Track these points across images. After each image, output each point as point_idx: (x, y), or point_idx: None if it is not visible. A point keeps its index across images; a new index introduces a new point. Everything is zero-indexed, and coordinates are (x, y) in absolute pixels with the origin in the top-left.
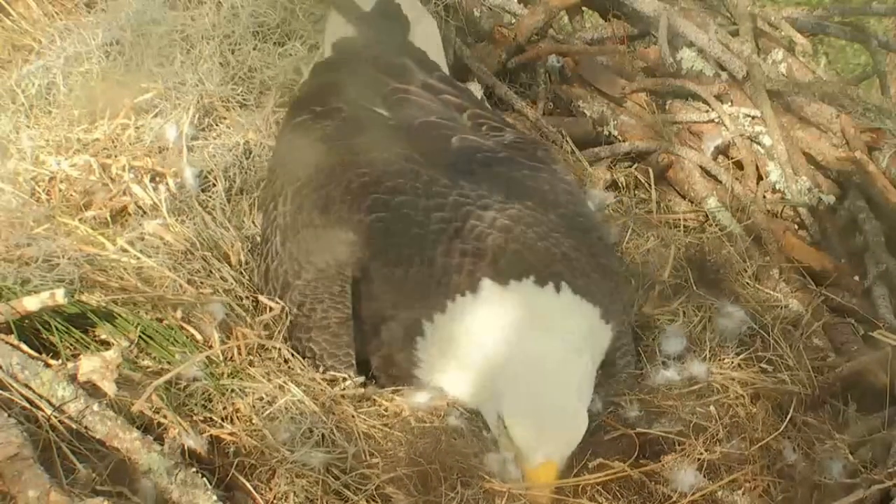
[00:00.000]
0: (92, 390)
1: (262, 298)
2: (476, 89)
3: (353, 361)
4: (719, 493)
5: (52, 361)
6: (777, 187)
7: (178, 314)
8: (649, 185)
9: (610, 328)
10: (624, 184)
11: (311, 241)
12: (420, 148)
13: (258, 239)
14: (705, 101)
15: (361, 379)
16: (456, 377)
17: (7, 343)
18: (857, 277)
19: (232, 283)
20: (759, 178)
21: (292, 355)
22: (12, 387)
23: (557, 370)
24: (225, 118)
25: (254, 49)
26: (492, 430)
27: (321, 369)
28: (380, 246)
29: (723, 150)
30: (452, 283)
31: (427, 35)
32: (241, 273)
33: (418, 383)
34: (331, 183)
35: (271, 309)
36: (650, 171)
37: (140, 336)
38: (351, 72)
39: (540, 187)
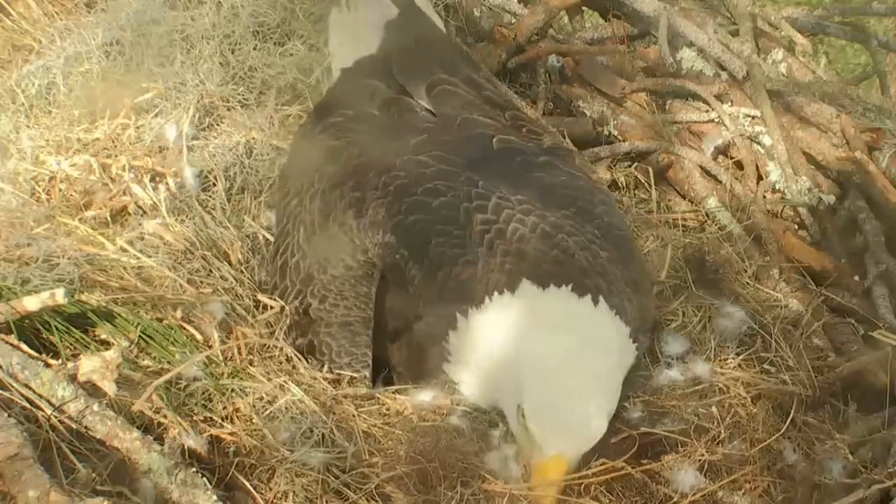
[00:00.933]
0: (92, 390)
1: (261, 297)
2: None
3: (370, 362)
4: (720, 493)
5: (52, 361)
6: (777, 187)
7: (178, 314)
8: (649, 184)
9: (636, 348)
10: (624, 184)
11: (342, 239)
12: (460, 147)
13: (260, 239)
14: (705, 101)
15: (367, 382)
16: (483, 372)
17: (7, 343)
18: (857, 277)
19: (232, 283)
20: (759, 178)
21: (294, 354)
22: (12, 387)
23: (587, 371)
24: (225, 118)
25: (254, 49)
26: (508, 423)
27: (335, 366)
28: (420, 248)
29: (723, 150)
30: (492, 280)
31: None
32: (242, 272)
33: (444, 377)
34: (366, 184)
35: (271, 307)
36: (650, 170)
37: (140, 336)
38: (400, 60)
39: (579, 196)
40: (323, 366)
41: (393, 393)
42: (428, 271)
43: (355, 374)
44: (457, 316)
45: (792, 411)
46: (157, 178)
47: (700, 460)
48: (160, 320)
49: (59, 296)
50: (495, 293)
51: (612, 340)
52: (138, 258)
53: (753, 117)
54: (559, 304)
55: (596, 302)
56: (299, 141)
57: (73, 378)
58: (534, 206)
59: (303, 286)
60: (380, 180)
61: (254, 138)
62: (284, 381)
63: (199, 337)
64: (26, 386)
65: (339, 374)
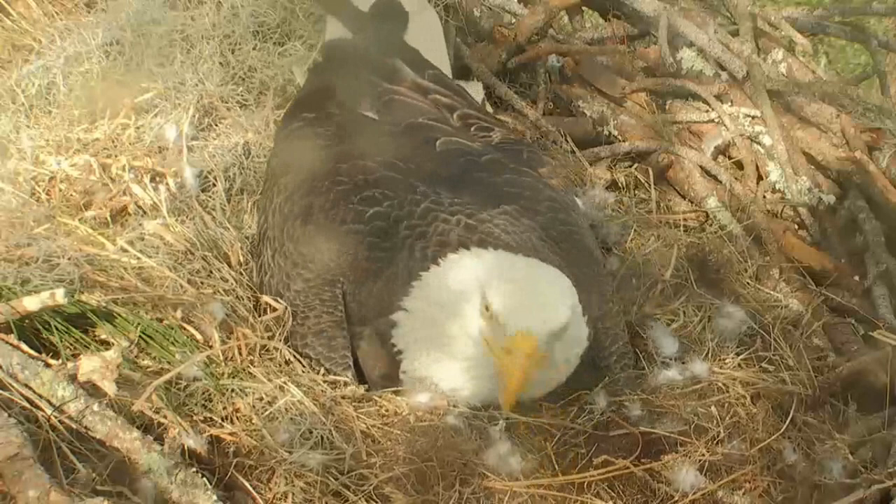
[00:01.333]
0: (92, 390)
1: (264, 298)
2: (477, 91)
3: (350, 363)
4: (720, 493)
5: (52, 361)
6: (777, 187)
7: (178, 314)
8: (649, 185)
9: (586, 322)
10: (624, 184)
11: (296, 252)
12: (404, 152)
13: (255, 241)
14: (705, 101)
15: (356, 381)
16: (438, 347)
17: (7, 343)
18: (857, 277)
19: (232, 283)
20: (759, 178)
21: (293, 356)
22: (12, 387)
23: (547, 273)
24: (225, 118)
25: (254, 49)
26: (474, 328)
27: (321, 373)
28: (356, 259)
29: (723, 150)
30: (413, 270)
31: (428, 28)
32: (242, 273)
33: (406, 377)
34: (313, 192)
35: (274, 309)
36: (650, 171)
37: (140, 336)
38: (342, 75)
39: (521, 193)
40: (317, 372)
41: (391, 394)
42: (362, 284)
43: (338, 378)
44: (392, 315)
45: (792, 411)
46: (157, 179)
47: (700, 460)
48: (160, 320)
49: (59, 296)
50: (421, 273)
51: (563, 277)
52: (138, 258)
53: (753, 117)
54: (493, 258)
55: (528, 257)
56: (272, 150)
57: (73, 378)
58: (465, 207)
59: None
60: (323, 185)
61: (252, 139)
62: (284, 383)
63: (199, 337)
64: (26, 386)
65: (333, 380)
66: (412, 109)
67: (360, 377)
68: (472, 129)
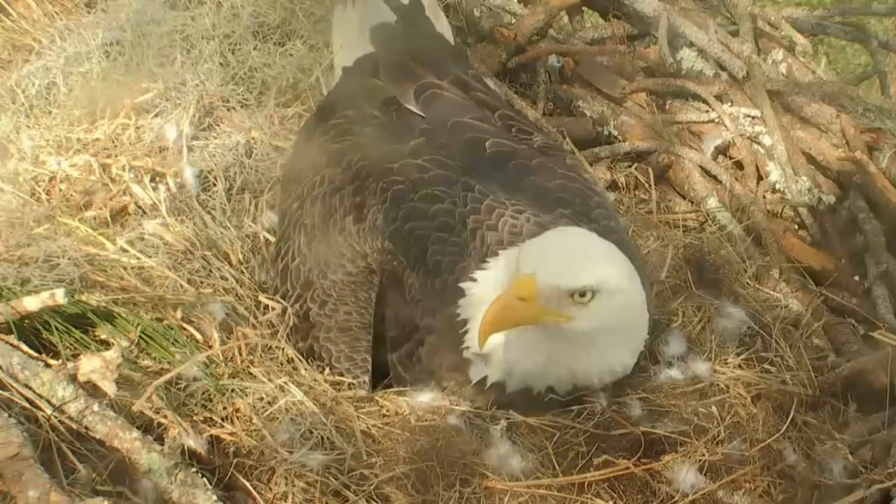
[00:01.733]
0: (92, 390)
1: (262, 298)
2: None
3: (370, 367)
4: (720, 493)
5: (52, 361)
6: (777, 187)
7: (179, 314)
8: (649, 185)
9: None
10: (624, 184)
11: (342, 244)
12: (454, 151)
13: (260, 239)
14: (705, 101)
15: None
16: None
17: (7, 343)
18: (857, 277)
19: (232, 283)
20: (759, 178)
21: (295, 355)
22: (12, 387)
23: (595, 243)
24: (225, 118)
25: (254, 49)
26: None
27: (335, 370)
28: (417, 256)
29: (723, 150)
30: (489, 251)
31: (444, 34)
32: (242, 272)
33: (469, 353)
34: (365, 189)
35: (273, 308)
36: (650, 171)
37: (140, 336)
38: (389, 65)
39: (575, 199)
40: (323, 370)
41: (392, 394)
42: (425, 279)
43: (354, 381)
44: (460, 286)
45: (792, 411)
46: (157, 178)
47: (700, 460)
48: (160, 320)
49: (59, 296)
50: (497, 250)
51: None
52: (138, 258)
53: (753, 117)
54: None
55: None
56: (301, 142)
57: (73, 378)
58: (527, 208)
59: (303, 290)
60: (378, 185)
61: (254, 138)
62: (285, 383)
63: (199, 337)
64: (26, 386)
65: (338, 379)
66: (456, 107)
67: (376, 382)
68: (513, 130)
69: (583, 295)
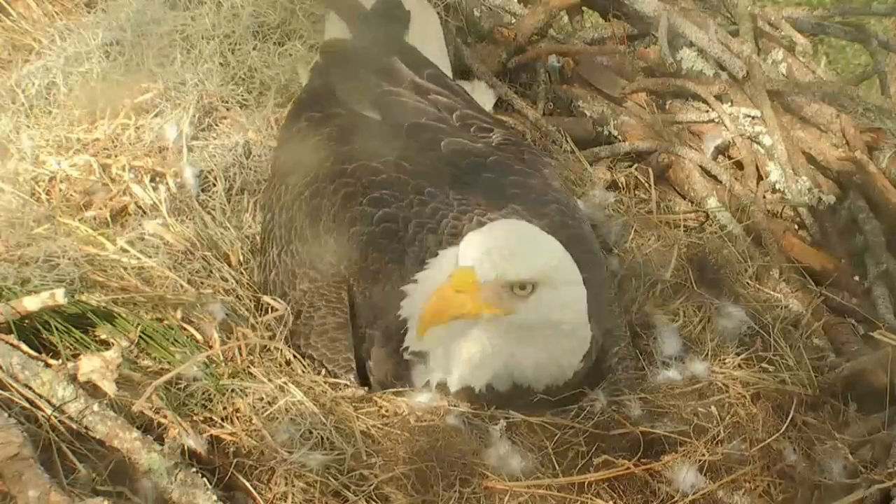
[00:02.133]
0: (92, 390)
1: (265, 298)
2: (488, 97)
3: (353, 366)
4: (720, 493)
5: (52, 361)
6: (777, 187)
7: (178, 314)
8: (649, 184)
9: (592, 326)
10: (624, 184)
11: (304, 252)
12: (410, 153)
13: (258, 240)
14: (705, 101)
15: (357, 384)
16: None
17: (7, 343)
18: (857, 277)
19: (232, 283)
20: (760, 178)
21: (294, 356)
22: (12, 387)
23: (537, 237)
24: (225, 118)
25: (254, 49)
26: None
27: (322, 374)
28: (364, 260)
29: (723, 150)
30: (427, 254)
31: (428, 28)
32: (242, 273)
33: (409, 353)
34: (320, 193)
35: (275, 309)
36: (650, 171)
37: (140, 336)
38: (342, 75)
39: (528, 195)
40: (319, 372)
41: (391, 395)
42: (365, 287)
43: (341, 380)
44: (401, 289)
45: (792, 411)
46: (157, 178)
47: (700, 460)
48: (160, 320)
49: (59, 296)
50: (437, 251)
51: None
52: (139, 258)
53: (753, 117)
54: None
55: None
56: (277, 149)
57: (73, 378)
58: (473, 206)
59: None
60: (331, 187)
61: (252, 139)
62: (284, 383)
63: (199, 337)
64: (26, 386)
65: (334, 382)
66: (413, 110)
67: (364, 380)
68: (472, 129)
69: (523, 288)
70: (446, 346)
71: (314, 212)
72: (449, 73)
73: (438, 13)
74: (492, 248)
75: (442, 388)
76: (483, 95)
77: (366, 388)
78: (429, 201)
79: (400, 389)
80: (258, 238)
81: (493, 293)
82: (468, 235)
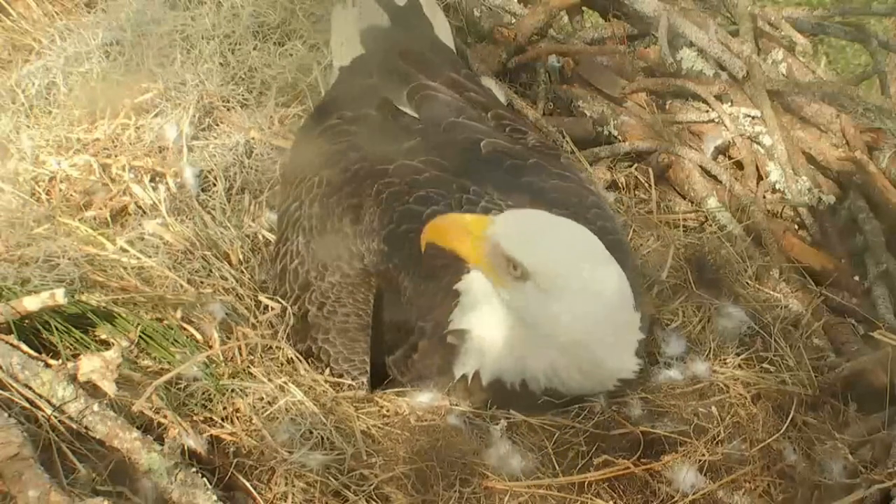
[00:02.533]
0: (92, 390)
1: (262, 298)
2: (500, 97)
3: (368, 369)
4: (720, 493)
5: (52, 361)
6: (777, 187)
7: (178, 314)
8: (649, 184)
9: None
10: (624, 184)
11: (340, 245)
12: (449, 152)
13: (260, 239)
14: (705, 101)
15: (369, 389)
16: (496, 330)
17: (7, 343)
18: (857, 277)
19: (232, 283)
20: (760, 178)
21: (295, 356)
22: (12, 387)
23: (563, 227)
24: (225, 118)
25: (254, 49)
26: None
27: (334, 371)
28: (411, 258)
29: (723, 150)
30: None
31: (442, 31)
32: (242, 272)
33: (459, 369)
34: (360, 192)
35: (272, 308)
36: (650, 171)
37: (140, 336)
38: (382, 67)
39: (570, 199)
40: (323, 371)
41: (392, 395)
42: (419, 282)
43: (353, 382)
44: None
45: (792, 411)
46: (157, 178)
47: (700, 460)
48: (160, 320)
49: (59, 296)
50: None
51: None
52: (138, 258)
53: (753, 117)
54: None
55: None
56: (299, 143)
57: (73, 378)
58: (522, 207)
59: (301, 292)
60: (374, 187)
61: (253, 138)
62: (285, 383)
63: (199, 337)
64: (26, 386)
65: (338, 380)
66: (450, 107)
67: (377, 383)
68: (507, 129)
69: (515, 268)
70: (485, 333)
71: (354, 210)
72: None
73: None
74: (522, 221)
75: (476, 379)
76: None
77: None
78: (477, 201)
79: (403, 389)
80: (260, 236)
81: (495, 257)
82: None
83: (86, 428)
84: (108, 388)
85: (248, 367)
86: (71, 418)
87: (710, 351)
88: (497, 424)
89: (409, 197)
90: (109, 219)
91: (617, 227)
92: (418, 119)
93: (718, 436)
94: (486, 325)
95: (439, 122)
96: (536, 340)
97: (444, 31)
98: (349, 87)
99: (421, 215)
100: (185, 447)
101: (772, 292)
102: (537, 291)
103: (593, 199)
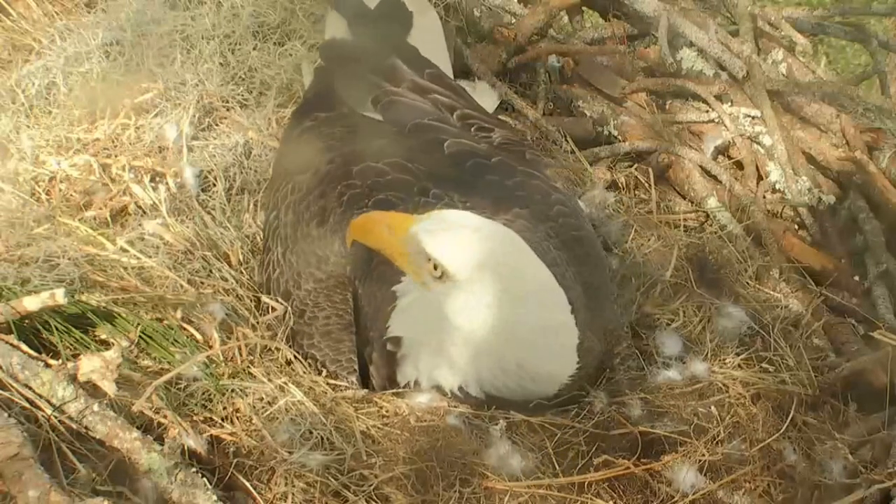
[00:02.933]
0: (92, 390)
1: (265, 298)
2: (492, 98)
3: (356, 367)
4: (720, 493)
5: (52, 361)
6: (777, 187)
7: (178, 314)
8: (649, 184)
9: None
10: (624, 184)
11: (309, 252)
12: (413, 153)
13: (259, 239)
14: (705, 101)
15: (359, 386)
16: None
17: (7, 343)
18: (857, 277)
19: (232, 283)
20: (760, 178)
21: (295, 357)
22: (12, 387)
23: (488, 229)
24: (225, 118)
25: (254, 49)
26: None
27: (324, 374)
28: (364, 264)
29: (723, 150)
30: None
31: (429, 29)
32: (242, 272)
33: (402, 355)
34: (326, 194)
35: (274, 309)
36: (650, 171)
37: (140, 336)
38: (344, 76)
39: (531, 197)
40: (320, 373)
41: (391, 395)
42: (370, 289)
43: (342, 382)
44: (394, 298)
45: (792, 411)
46: (157, 178)
47: (700, 460)
48: (160, 320)
49: (59, 296)
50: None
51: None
52: (138, 258)
53: (753, 117)
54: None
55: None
56: (281, 147)
57: (73, 378)
58: (479, 210)
59: (284, 301)
60: (337, 188)
61: (253, 138)
62: (285, 383)
63: (199, 337)
64: (26, 386)
65: (335, 383)
66: (414, 110)
67: (366, 382)
68: (473, 128)
69: (436, 268)
70: (421, 337)
71: (321, 213)
72: (450, 74)
73: (439, 13)
74: (444, 219)
75: (416, 386)
76: (486, 96)
77: (366, 390)
78: (434, 203)
79: (399, 390)
80: (259, 237)
81: (417, 254)
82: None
83: (86, 428)
84: (108, 388)
85: (248, 367)
86: (71, 418)
87: (709, 351)
88: (496, 425)
89: (369, 200)
90: (109, 219)
91: (582, 224)
92: (384, 122)
93: (718, 436)
94: (420, 329)
95: (404, 124)
96: (465, 344)
97: (431, 26)
98: (320, 88)
99: None
100: (185, 447)
101: (772, 292)
102: (457, 292)
103: (557, 196)
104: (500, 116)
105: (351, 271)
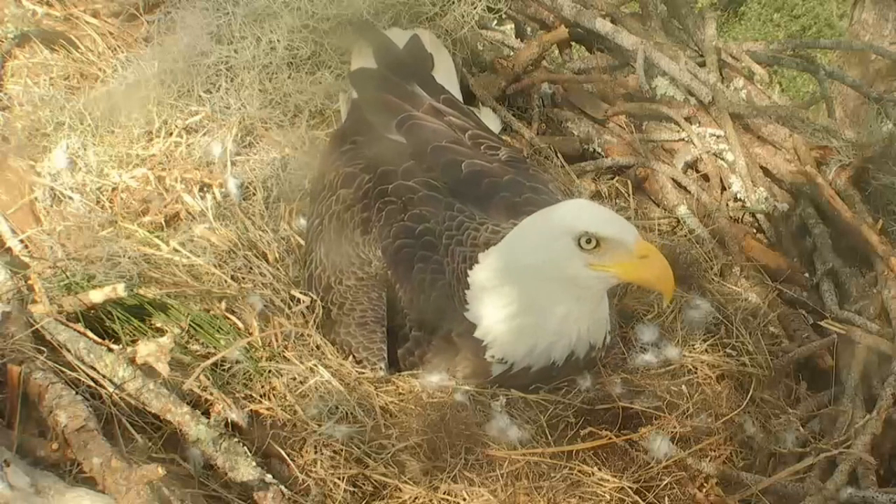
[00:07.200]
0: (148, 371)
1: (294, 292)
2: (495, 124)
3: (385, 355)
4: (689, 460)
5: (113, 346)
6: (738, 197)
7: (223, 305)
8: (628, 194)
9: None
10: (606, 193)
11: (353, 255)
12: (437, 173)
13: (293, 241)
14: (677, 123)
15: (388, 372)
16: (507, 311)
17: (75, 330)
18: (807, 274)
19: (270, 279)
20: (723, 188)
21: (323, 342)
22: (80, 368)
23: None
24: (263, 137)
25: (288, 77)
26: (576, 265)
27: (357, 359)
28: (405, 271)
29: (692, 165)
30: (461, 260)
31: (444, 65)
32: (278, 269)
33: (469, 325)
34: (369, 208)
35: (303, 301)
36: (629, 182)
37: (190, 324)
38: (371, 102)
39: (539, 209)
40: (346, 358)
41: (406, 376)
42: (412, 295)
43: (373, 368)
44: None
45: (751, 389)
46: (205, 189)
47: (672, 431)
48: (207, 311)
49: (120, 290)
50: (474, 264)
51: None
52: (188, 258)
53: (718, 136)
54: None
55: None
56: (322, 165)
57: (131, 361)
58: (491, 220)
59: (325, 294)
60: (376, 204)
61: (287, 154)
62: (314, 365)
63: (240, 325)
64: (92, 367)
65: (360, 364)
66: (433, 132)
67: (392, 367)
68: (482, 147)
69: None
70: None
71: (363, 223)
72: (460, 99)
73: (447, 47)
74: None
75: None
76: (489, 122)
77: (384, 372)
78: (457, 216)
79: (416, 372)
80: (293, 239)
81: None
82: (603, 224)
83: (143, 404)
84: (163, 369)
85: (283, 351)
86: (130, 395)
87: (680, 338)
88: (497, 401)
89: (405, 214)
90: (164, 223)
91: None
92: (407, 145)
93: (688, 411)
94: (497, 314)
95: (426, 146)
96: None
97: (446, 63)
98: (358, 117)
99: (414, 231)
100: (229, 420)
101: (734, 287)
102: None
103: None
104: (502, 137)
105: (392, 276)
